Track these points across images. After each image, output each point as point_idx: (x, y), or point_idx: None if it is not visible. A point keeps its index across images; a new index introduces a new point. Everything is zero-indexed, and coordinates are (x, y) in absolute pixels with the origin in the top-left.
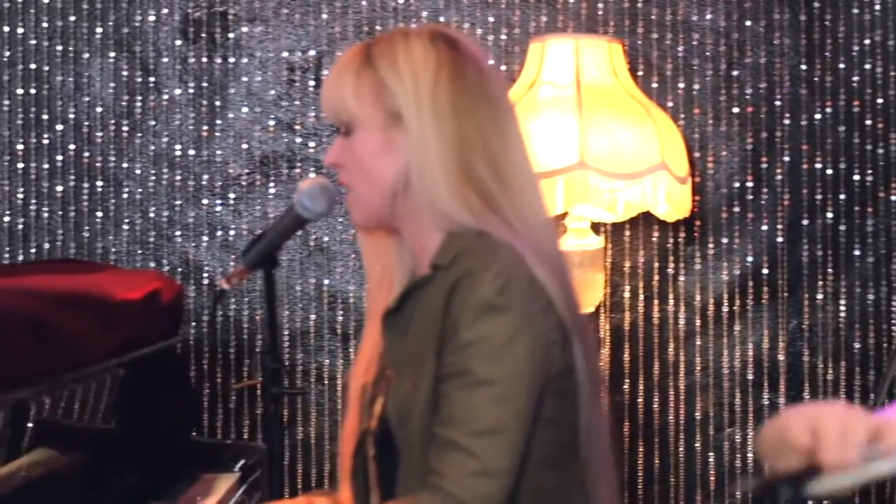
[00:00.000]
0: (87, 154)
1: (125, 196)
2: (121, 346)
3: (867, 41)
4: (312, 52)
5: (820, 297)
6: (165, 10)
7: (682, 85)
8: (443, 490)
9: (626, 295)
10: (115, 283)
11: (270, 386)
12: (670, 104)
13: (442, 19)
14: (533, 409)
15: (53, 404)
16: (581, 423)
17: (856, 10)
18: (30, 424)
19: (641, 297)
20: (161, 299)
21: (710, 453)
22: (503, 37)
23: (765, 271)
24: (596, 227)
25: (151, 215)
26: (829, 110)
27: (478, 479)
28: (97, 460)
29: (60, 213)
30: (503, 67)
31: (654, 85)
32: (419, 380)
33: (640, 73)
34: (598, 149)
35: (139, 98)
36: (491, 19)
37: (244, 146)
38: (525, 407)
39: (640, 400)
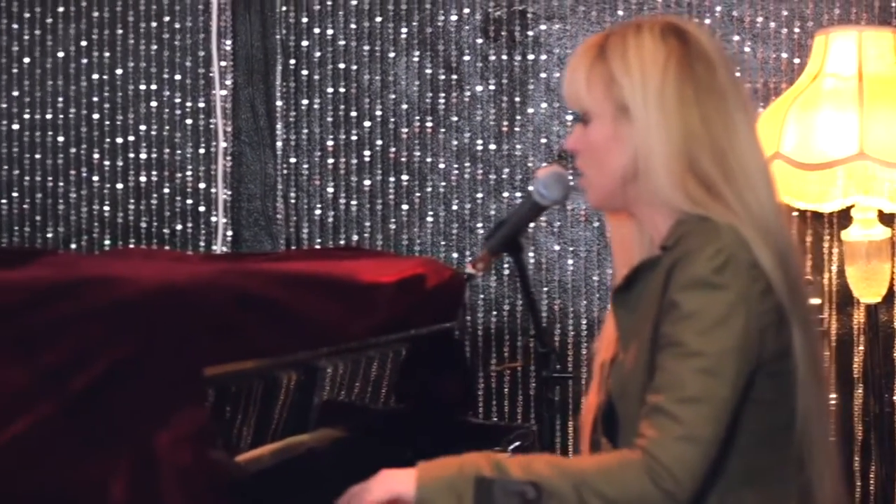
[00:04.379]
0: (393, 149)
1: (429, 189)
2: (375, 328)
3: None
4: None
5: None
6: (467, 10)
7: None
8: (644, 451)
9: None
10: (371, 269)
11: (541, 370)
12: None
13: (735, 14)
14: (742, 388)
15: (333, 383)
16: (798, 406)
17: None
18: (314, 402)
19: None
20: (425, 284)
21: None
22: (796, 30)
23: None
24: (889, 219)
25: (454, 208)
26: None
27: (679, 443)
28: (374, 437)
29: (368, 206)
30: (796, 61)
31: None
32: (638, 354)
33: None
34: (878, 139)
35: (442, 95)
36: (784, 13)
37: (543, 141)
38: (733, 383)
39: None
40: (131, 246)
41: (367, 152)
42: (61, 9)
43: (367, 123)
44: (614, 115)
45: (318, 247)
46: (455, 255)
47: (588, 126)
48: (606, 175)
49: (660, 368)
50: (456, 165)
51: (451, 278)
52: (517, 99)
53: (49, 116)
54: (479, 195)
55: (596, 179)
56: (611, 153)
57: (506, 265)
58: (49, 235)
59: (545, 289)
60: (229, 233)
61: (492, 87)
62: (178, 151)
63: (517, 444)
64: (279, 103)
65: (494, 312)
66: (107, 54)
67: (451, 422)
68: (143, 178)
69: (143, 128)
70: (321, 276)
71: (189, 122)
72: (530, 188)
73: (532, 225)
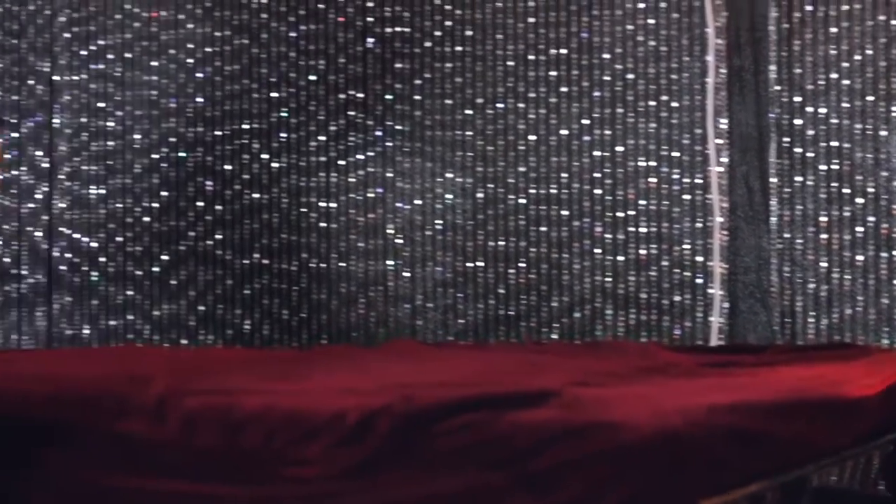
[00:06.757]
0: (885, 225)
1: None
2: (860, 437)
3: None
4: None
5: None
6: None
7: None
8: None
9: None
10: (858, 376)
11: None
12: None
13: None
14: None
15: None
16: None
17: None
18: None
19: None
20: None
21: None
22: None
23: None
24: None
25: None
26: None
27: None
28: None
29: (861, 281)
30: None
31: None
32: None
33: None
34: None
35: None
36: None
37: None
38: None
39: None
40: (617, 334)
41: (859, 228)
42: (564, 89)
43: (859, 200)
44: None
45: (809, 328)
46: None
47: None
48: None
49: None
50: None
51: None
52: None
53: (553, 191)
54: None
55: None
56: None
57: None
58: (554, 304)
59: None
60: (725, 304)
61: None
62: (676, 225)
63: None
64: (773, 180)
65: None
66: (607, 132)
67: None
68: (642, 251)
69: (642, 202)
70: (806, 401)
71: (686, 197)
72: None
73: None
